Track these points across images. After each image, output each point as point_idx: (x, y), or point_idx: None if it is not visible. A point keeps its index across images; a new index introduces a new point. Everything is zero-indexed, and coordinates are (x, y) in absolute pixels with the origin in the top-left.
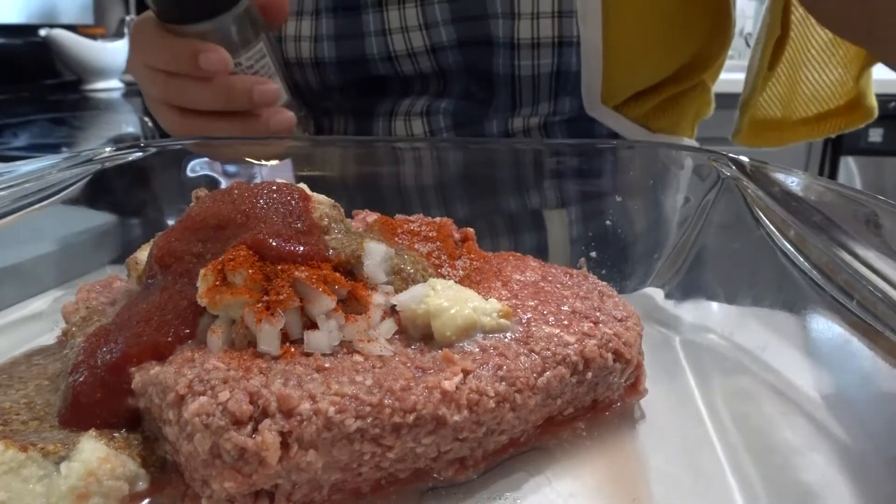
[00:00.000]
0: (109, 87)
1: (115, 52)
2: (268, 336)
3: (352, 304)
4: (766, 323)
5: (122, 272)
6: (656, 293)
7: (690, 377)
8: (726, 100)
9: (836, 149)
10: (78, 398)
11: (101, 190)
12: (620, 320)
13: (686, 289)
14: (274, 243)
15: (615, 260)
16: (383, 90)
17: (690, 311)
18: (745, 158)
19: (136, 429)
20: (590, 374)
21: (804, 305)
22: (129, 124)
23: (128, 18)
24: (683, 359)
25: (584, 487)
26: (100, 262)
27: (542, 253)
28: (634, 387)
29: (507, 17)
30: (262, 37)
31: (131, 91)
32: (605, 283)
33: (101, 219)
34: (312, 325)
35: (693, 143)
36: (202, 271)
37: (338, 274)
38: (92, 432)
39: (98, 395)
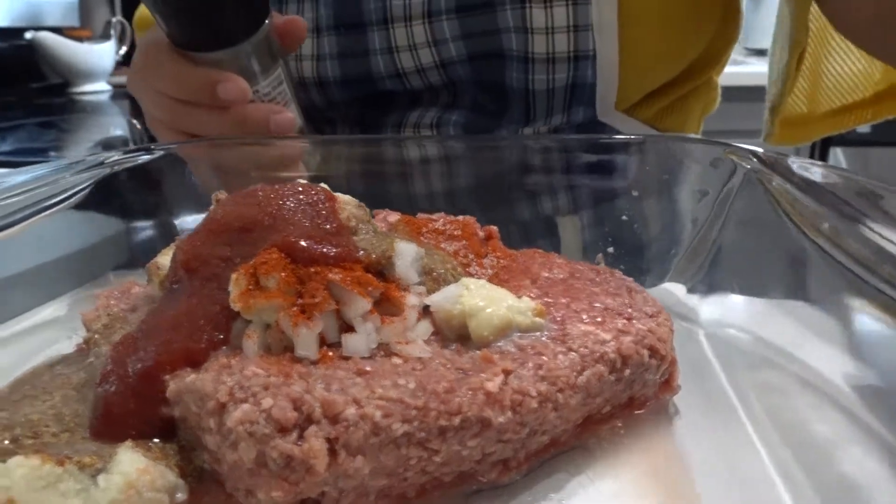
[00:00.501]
0: (97, 89)
1: (102, 54)
2: (306, 340)
3: (385, 306)
4: (792, 316)
5: (130, 277)
6: (677, 288)
7: (719, 371)
8: (726, 93)
9: (825, 140)
10: (110, 409)
11: (110, 194)
12: (651, 316)
13: (709, 283)
14: (306, 245)
15: (632, 256)
16: (391, 104)
17: (714, 306)
18: (762, 149)
19: (170, 438)
20: (627, 372)
21: (832, 297)
22: (118, 127)
23: (114, 20)
24: (710, 353)
25: (627, 486)
26: (109, 266)
27: (558, 248)
28: (668, 383)
29: (520, 31)
30: (279, 63)
31: (119, 93)
32: (630, 278)
33: (109, 223)
34: (346, 328)
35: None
36: (233, 275)
37: (370, 275)
38: (129, 443)
39: (131, 404)
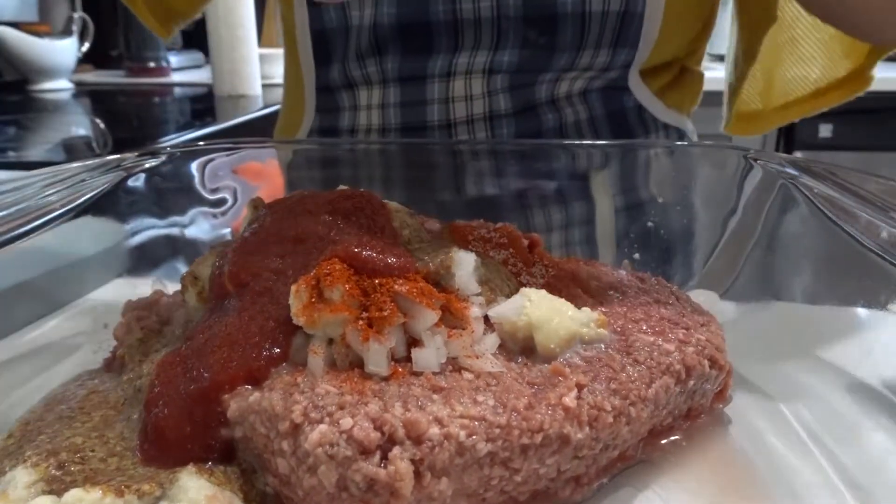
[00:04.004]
0: (58, 87)
1: (63, 50)
2: (377, 356)
3: (446, 318)
4: (830, 323)
5: (136, 283)
6: (708, 295)
7: (761, 379)
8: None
9: (788, 143)
10: (163, 433)
11: (119, 199)
12: (703, 325)
13: (743, 290)
14: (370, 256)
15: (658, 262)
16: (432, 46)
17: (748, 313)
18: (798, 155)
19: (227, 461)
20: (691, 383)
21: (876, 303)
22: (81, 126)
23: (76, 16)
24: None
25: (697, 499)
26: (114, 274)
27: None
28: (722, 393)
29: None
30: None
31: (81, 92)
32: (675, 285)
33: (115, 228)
34: (412, 342)
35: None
36: (294, 288)
37: (430, 286)
38: (191, 468)
39: (186, 427)
